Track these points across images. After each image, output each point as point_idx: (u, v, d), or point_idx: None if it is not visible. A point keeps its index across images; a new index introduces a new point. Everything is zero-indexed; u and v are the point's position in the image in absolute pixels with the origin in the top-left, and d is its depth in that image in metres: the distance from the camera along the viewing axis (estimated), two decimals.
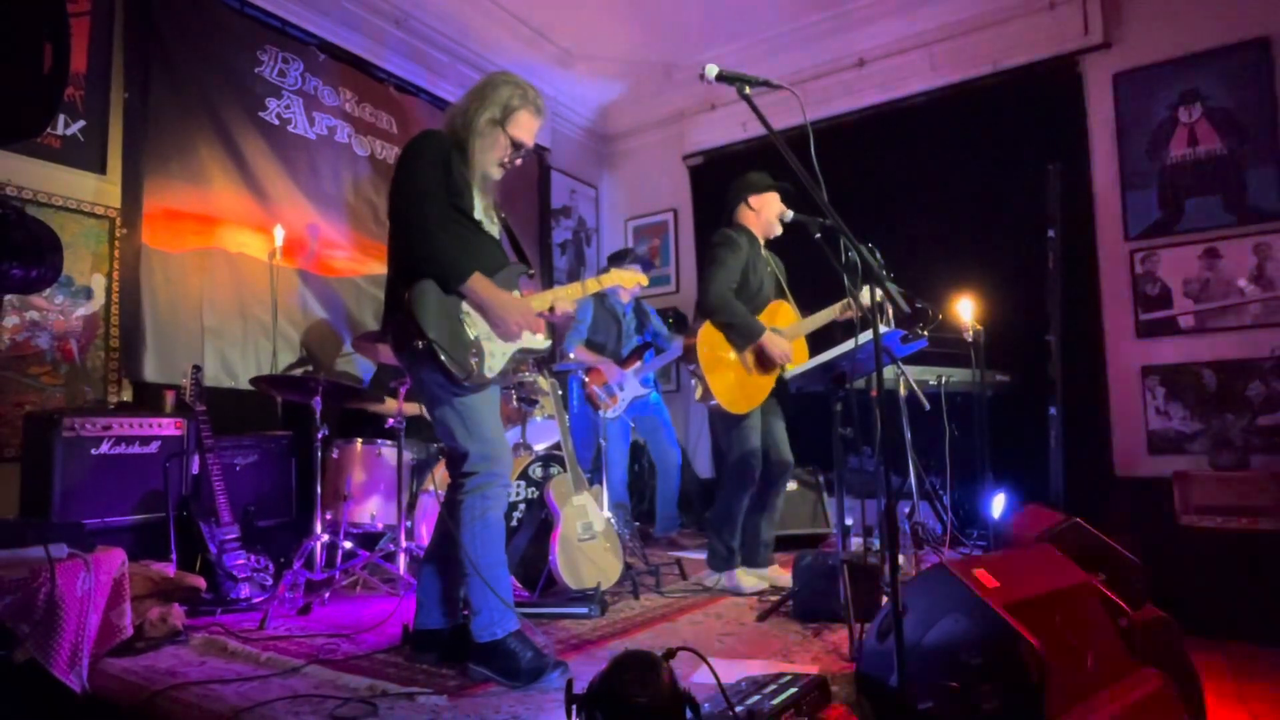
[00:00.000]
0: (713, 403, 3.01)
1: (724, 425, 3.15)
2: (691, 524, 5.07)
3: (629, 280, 2.66)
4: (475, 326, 2.13)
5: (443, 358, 2.02)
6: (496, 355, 2.17)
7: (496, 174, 2.27)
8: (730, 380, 3.04)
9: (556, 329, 2.41)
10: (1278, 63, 4.12)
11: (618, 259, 4.46)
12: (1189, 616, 2.54)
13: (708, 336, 3.04)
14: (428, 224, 2.06)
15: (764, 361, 3.10)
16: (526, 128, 2.25)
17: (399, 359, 2.21)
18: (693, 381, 3.09)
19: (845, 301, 3.09)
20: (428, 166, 2.13)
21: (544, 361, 3.43)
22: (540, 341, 2.30)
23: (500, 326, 2.13)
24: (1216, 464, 4.01)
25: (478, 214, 2.23)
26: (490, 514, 2.15)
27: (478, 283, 2.08)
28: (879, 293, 2.46)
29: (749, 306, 3.11)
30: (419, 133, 2.26)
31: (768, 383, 3.12)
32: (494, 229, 2.30)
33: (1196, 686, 2.25)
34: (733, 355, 3.07)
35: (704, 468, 5.89)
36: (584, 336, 4.32)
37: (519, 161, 2.31)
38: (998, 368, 4.13)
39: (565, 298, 2.35)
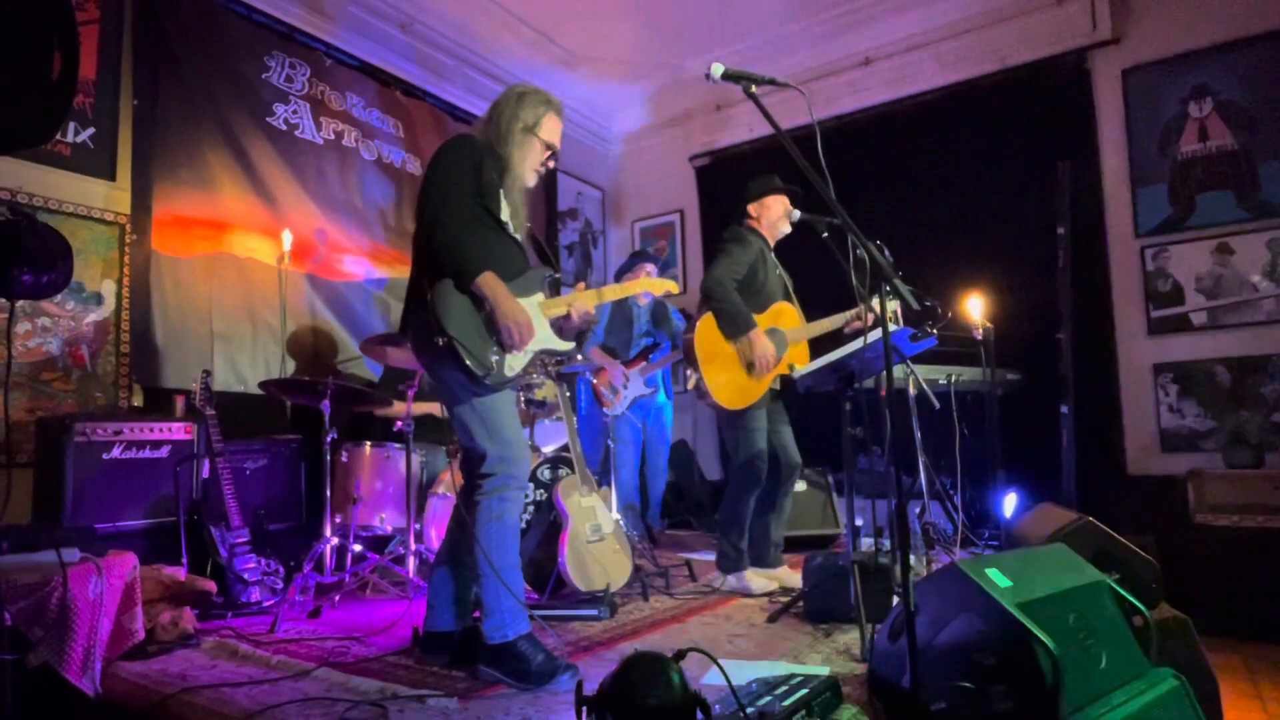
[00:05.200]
0: (709, 399, 3.00)
1: (730, 426, 3.14)
2: (704, 525, 5.09)
3: (658, 287, 2.64)
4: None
5: (464, 356, 2.02)
6: (517, 354, 2.16)
7: (532, 180, 2.32)
8: (726, 376, 3.03)
9: (566, 330, 2.38)
10: None
11: (638, 259, 4.52)
12: (1204, 615, 2.51)
13: (706, 331, 3.04)
14: (448, 221, 2.08)
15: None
16: (554, 131, 2.33)
17: (419, 357, 2.22)
18: (687, 372, 3.08)
19: (854, 312, 3.08)
20: (457, 167, 2.16)
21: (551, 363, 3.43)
22: (563, 343, 2.30)
23: (498, 331, 2.12)
24: (1231, 462, 3.97)
25: (504, 217, 2.24)
26: (507, 516, 2.15)
27: (487, 282, 2.08)
28: (888, 294, 2.45)
29: (753, 303, 3.10)
30: (453, 135, 2.31)
31: (765, 381, 3.11)
32: (519, 235, 2.31)
33: (1213, 686, 2.23)
34: (731, 354, 3.06)
35: (712, 469, 5.88)
36: (600, 340, 4.39)
37: (551, 164, 2.36)
38: (1008, 366, 4.11)
39: (582, 303, 2.31)
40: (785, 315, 3.24)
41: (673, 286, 2.70)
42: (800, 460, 3.25)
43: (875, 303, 2.57)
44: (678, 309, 5.03)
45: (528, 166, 2.29)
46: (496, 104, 2.32)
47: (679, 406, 5.02)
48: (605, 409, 4.12)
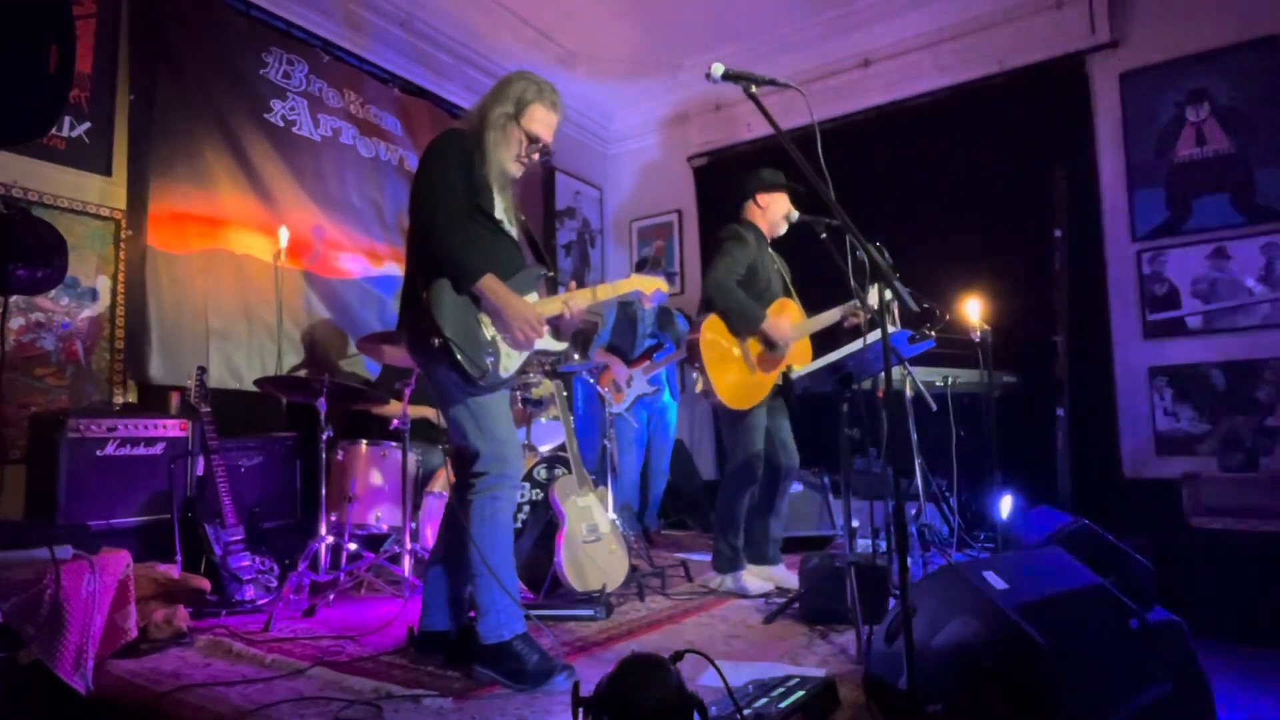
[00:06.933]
0: (714, 399, 3.00)
1: (729, 425, 3.14)
2: (700, 526, 5.11)
3: (649, 285, 2.65)
4: (491, 326, 2.13)
5: (459, 356, 2.01)
6: (512, 355, 2.16)
7: (515, 170, 2.26)
8: (732, 376, 3.03)
9: (563, 331, 2.37)
10: None
11: (641, 267, 4.60)
12: (1199, 619, 2.51)
13: (711, 332, 3.03)
14: (443, 223, 2.06)
15: (766, 358, 3.09)
16: (542, 122, 2.24)
17: (413, 356, 2.20)
18: (694, 375, 3.08)
19: (851, 304, 3.09)
20: (448, 165, 2.13)
21: (546, 363, 3.44)
22: (556, 344, 2.29)
23: (506, 331, 2.12)
24: (1225, 465, 3.98)
25: (498, 214, 2.22)
26: (500, 515, 2.14)
27: (488, 284, 2.06)
28: (887, 292, 2.45)
29: (756, 302, 3.10)
30: (442, 131, 2.25)
31: (769, 380, 3.11)
32: (514, 230, 2.28)
33: (1207, 690, 2.23)
34: (736, 351, 3.06)
35: (708, 469, 5.87)
36: (605, 340, 4.44)
37: (536, 157, 2.28)
38: (1005, 368, 4.12)
39: (578, 302, 2.30)
40: (787, 311, 3.24)
41: (663, 285, 2.70)
42: (798, 462, 3.25)
43: (873, 301, 2.58)
44: (676, 310, 5.06)
45: (506, 154, 2.20)
46: (489, 90, 2.27)
47: (677, 407, 5.03)
48: (609, 407, 4.15)
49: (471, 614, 2.16)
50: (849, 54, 5.33)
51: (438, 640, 2.23)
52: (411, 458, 3.32)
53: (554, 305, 2.26)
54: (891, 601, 2.35)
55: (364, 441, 3.45)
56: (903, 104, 5.21)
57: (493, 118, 2.19)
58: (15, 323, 3.15)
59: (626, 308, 4.53)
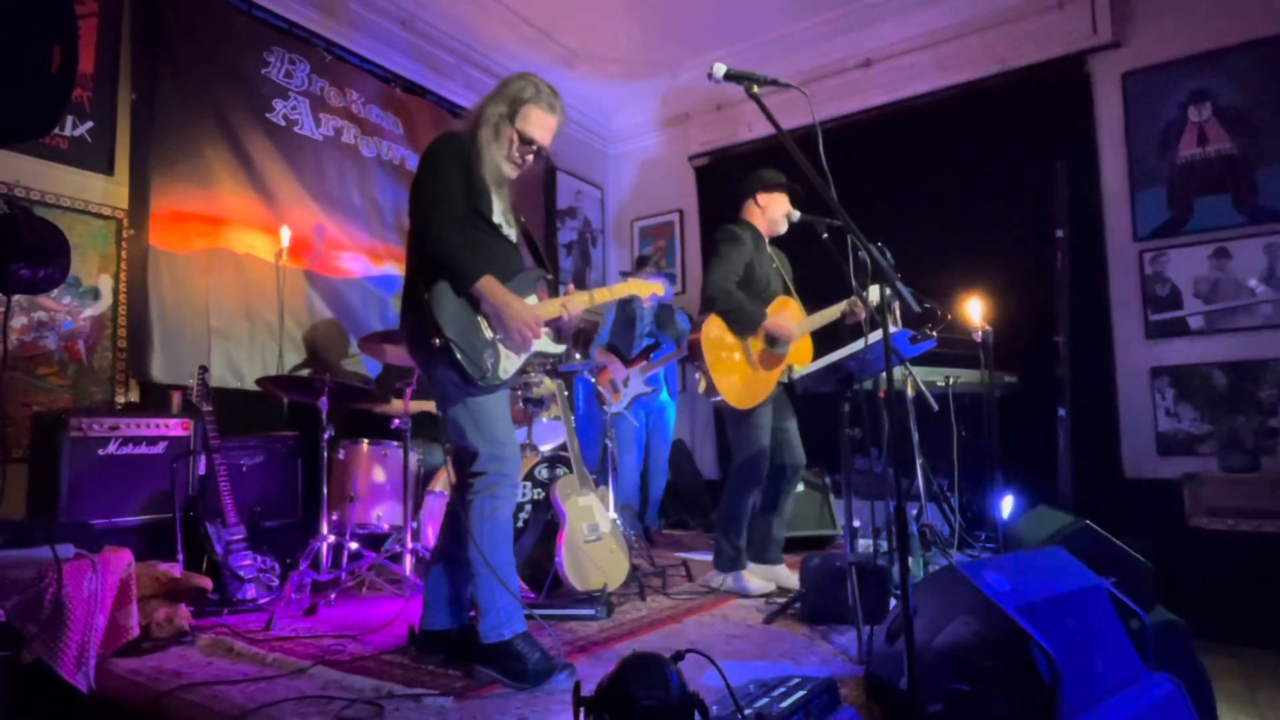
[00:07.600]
0: (716, 398, 3.00)
1: (733, 424, 3.13)
2: (701, 525, 5.12)
3: (645, 290, 2.65)
4: (491, 328, 2.13)
5: (459, 357, 2.02)
6: (511, 357, 2.17)
7: (510, 171, 2.25)
8: (735, 376, 3.03)
9: (564, 333, 2.38)
10: None
11: (640, 266, 4.62)
12: (1200, 619, 2.51)
13: (712, 332, 3.03)
14: (441, 225, 2.06)
15: (768, 356, 3.08)
16: (538, 124, 2.22)
17: (414, 356, 2.21)
18: (696, 376, 3.08)
19: (851, 300, 3.08)
20: (446, 168, 2.13)
21: (546, 365, 3.45)
22: (554, 345, 2.29)
23: (505, 333, 2.12)
24: (1226, 466, 3.98)
25: (496, 217, 2.22)
26: (499, 514, 2.15)
27: (487, 286, 2.07)
28: (888, 292, 2.45)
29: (756, 303, 3.10)
30: (441, 134, 2.26)
31: (772, 379, 3.11)
32: (512, 232, 2.28)
33: (1208, 690, 2.23)
34: (738, 354, 3.06)
35: (709, 469, 5.88)
36: (605, 340, 4.46)
37: (531, 158, 2.27)
38: (1006, 369, 4.12)
39: (576, 306, 2.30)
40: (788, 310, 3.24)
41: (658, 289, 2.70)
42: (804, 460, 3.25)
43: (874, 300, 2.58)
44: (676, 309, 5.06)
45: (498, 155, 2.19)
46: (490, 90, 2.28)
47: (678, 406, 5.04)
48: (607, 407, 4.17)
49: (472, 613, 2.17)
50: (850, 54, 5.33)
51: (439, 639, 2.24)
52: (413, 456, 3.33)
53: (552, 308, 2.26)
54: (892, 601, 2.35)
55: (365, 440, 3.45)
56: (904, 104, 5.20)
57: (487, 116, 2.19)
58: (18, 322, 3.16)
59: (625, 307, 4.54)
